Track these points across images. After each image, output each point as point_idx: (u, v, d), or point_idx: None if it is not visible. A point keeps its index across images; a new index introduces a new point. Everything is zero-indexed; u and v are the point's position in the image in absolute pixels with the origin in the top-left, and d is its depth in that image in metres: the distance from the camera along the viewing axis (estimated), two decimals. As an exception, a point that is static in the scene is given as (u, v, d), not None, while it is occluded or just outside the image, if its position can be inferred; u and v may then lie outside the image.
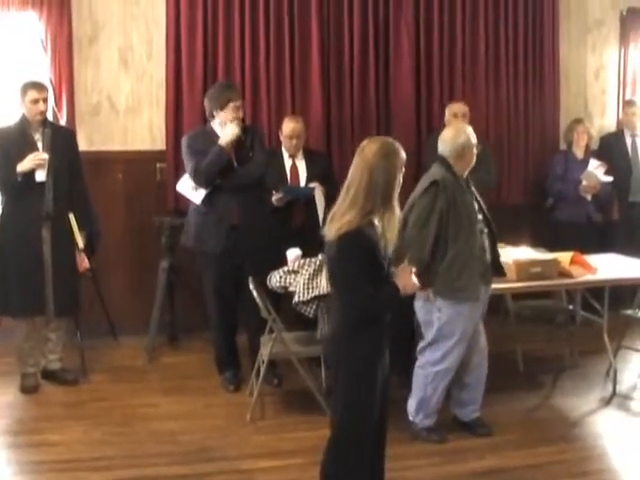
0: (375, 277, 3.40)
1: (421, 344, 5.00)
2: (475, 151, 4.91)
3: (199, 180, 5.70)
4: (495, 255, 4.99)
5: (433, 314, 4.87)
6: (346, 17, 7.21)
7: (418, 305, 4.93)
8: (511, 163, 7.73)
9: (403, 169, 3.52)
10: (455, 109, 6.94)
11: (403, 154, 3.52)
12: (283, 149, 6.39)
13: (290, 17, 7.08)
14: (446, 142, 4.89)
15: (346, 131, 7.29)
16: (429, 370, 4.94)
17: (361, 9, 7.24)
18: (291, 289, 5.29)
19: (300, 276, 5.27)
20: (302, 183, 6.30)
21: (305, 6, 7.10)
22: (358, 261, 3.36)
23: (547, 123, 7.88)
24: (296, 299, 5.20)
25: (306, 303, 5.21)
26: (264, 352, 5.39)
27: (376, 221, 3.44)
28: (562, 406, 5.65)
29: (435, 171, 4.88)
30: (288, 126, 6.31)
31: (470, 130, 4.97)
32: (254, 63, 7.04)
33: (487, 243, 4.90)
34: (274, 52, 7.07)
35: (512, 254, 5.64)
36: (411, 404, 5.05)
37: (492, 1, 7.61)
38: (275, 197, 6.07)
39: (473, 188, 4.98)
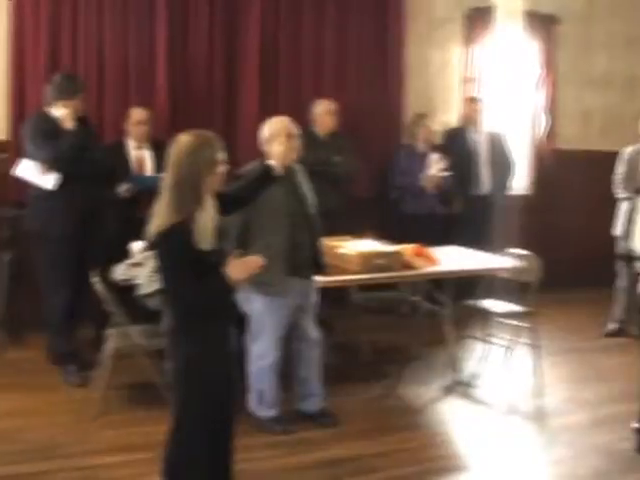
0: (202, 270, 3.38)
1: (247, 335, 4.99)
2: (294, 143, 4.73)
3: (60, 165, 5.54)
4: (316, 250, 4.98)
5: (250, 306, 4.87)
6: (192, 14, 7.14)
7: (240, 296, 4.86)
8: (357, 157, 7.75)
9: (217, 164, 3.49)
10: (325, 106, 7.12)
11: (215, 148, 3.49)
12: (129, 139, 6.29)
13: (136, 14, 6.95)
14: (260, 135, 4.85)
15: (192, 122, 7.11)
16: (258, 364, 4.94)
17: (208, 7, 7.16)
18: (135, 282, 5.16)
19: (144, 268, 5.14)
20: (148, 173, 6.21)
21: (151, 4, 6.97)
22: (179, 256, 3.36)
23: (392, 118, 7.99)
24: (139, 292, 5.08)
25: (150, 295, 5.07)
26: (108, 346, 5.22)
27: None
28: (407, 395, 5.72)
29: (249, 166, 4.84)
30: (136, 112, 6.26)
31: (283, 122, 4.83)
32: (99, 53, 6.88)
33: (305, 237, 4.87)
34: (119, 44, 6.91)
35: (357, 246, 5.65)
36: (251, 397, 5.03)
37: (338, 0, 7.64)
38: (123, 188, 5.96)
39: (301, 179, 4.91)
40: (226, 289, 3.49)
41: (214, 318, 3.52)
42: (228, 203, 3.87)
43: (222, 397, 3.58)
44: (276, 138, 4.70)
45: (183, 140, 3.47)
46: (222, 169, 3.54)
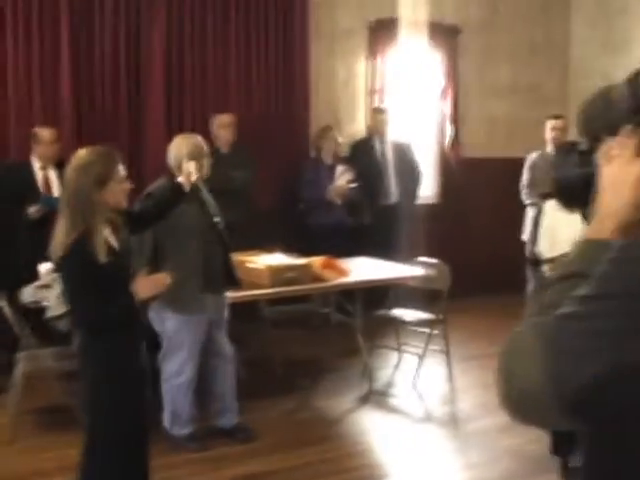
0: (106, 287, 3.37)
1: (160, 353, 4.94)
2: (205, 161, 4.77)
3: None
4: (228, 265, 4.97)
5: (164, 324, 4.83)
6: (97, 29, 7.01)
7: (151, 315, 4.84)
8: (263, 169, 7.74)
9: (111, 179, 3.47)
10: (223, 120, 7.05)
11: (109, 163, 3.48)
12: (33, 159, 6.19)
13: (40, 29, 6.79)
14: (170, 152, 4.81)
15: (98, 138, 6.99)
16: (172, 383, 4.90)
17: (113, 22, 7.04)
18: (44, 304, 5.08)
19: (53, 290, 5.04)
20: (55, 193, 6.05)
21: (55, 18, 6.82)
22: (80, 273, 3.37)
23: (297, 130, 7.98)
24: (49, 314, 4.99)
25: (59, 317, 4.96)
26: (18, 369, 5.10)
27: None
28: (321, 407, 5.72)
29: (156, 183, 4.82)
30: (42, 132, 6.17)
31: (196, 140, 4.86)
32: (2, 68, 6.71)
33: (217, 252, 4.86)
34: (22, 59, 6.74)
35: (266, 260, 5.63)
36: (165, 416, 4.97)
37: (243, 13, 7.64)
38: (32, 209, 5.85)
39: (206, 196, 4.90)
40: (132, 307, 3.46)
41: (121, 336, 3.48)
42: (137, 221, 3.85)
43: (133, 417, 3.53)
44: (186, 156, 4.67)
45: (76, 156, 3.47)
46: (124, 185, 3.50)
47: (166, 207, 4.29)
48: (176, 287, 4.52)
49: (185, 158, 4.64)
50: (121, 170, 3.54)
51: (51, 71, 6.84)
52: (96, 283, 3.35)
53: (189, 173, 4.44)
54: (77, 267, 3.36)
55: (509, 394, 1.19)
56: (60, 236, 3.38)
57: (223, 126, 7.02)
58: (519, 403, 1.17)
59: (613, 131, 1.34)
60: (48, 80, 6.84)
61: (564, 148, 1.54)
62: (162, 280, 3.57)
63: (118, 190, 3.49)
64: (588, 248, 1.27)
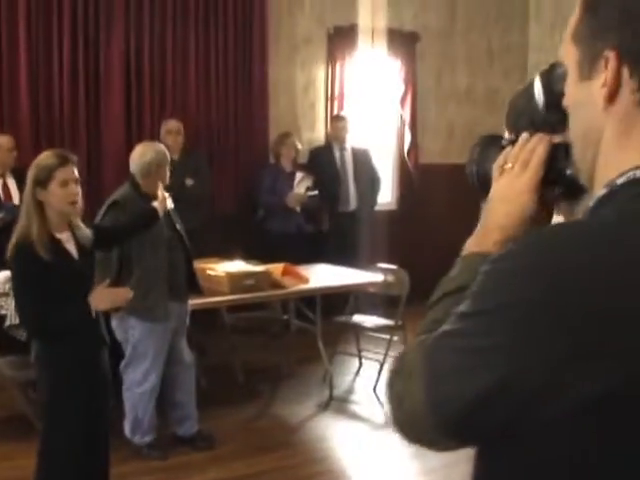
0: (55, 291, 3.37)
1: (122, 363, 4.92)
2: (167, 169, 4.84)
3: None
4: (190, 272, 4.98)
5: (129, 332, 4.82)
6: (55, 34, 6.94)
7: (114, 324, 4.84)
8: (222, 175, 7.74)
9: (53, 179, 3.45)
10: (169, 126, 6.98)
11: (53, 164, 3.46)
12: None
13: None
14: (134, 160, 4.82)
15: (56, 145, 6.93)
16: (134, 391, 4.88)
17: (71, 27, 6.98)
18: (2, 312, 5.07)
19: (11, 298, 4.96)
20: (15, 201, 5.97)
21: (13, 23, 6.75)
22: (23, 273, 3.39)
23: (256, 137, 7.97)
24: (7, 323, 5.00)
25: (18, 326, 4.92)
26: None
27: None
28: (282, 413, 5.71)
29: (119, 191, 4.82)
30: (4, 139, 6.15)
31: (160, 148, 4.93)
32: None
33: (180, 259, 4.87)
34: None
35: (225, 267, 5.63)
36: (126, 424, 4.95)
37: (203, 18, 7.62)
38: None
39: (170, 206, 4.90)
40: (83, 314, 3.43)
41: (74, 343, 3.45)
42: (105, 237, 3.83)
43: (85, 424, 3.49)
44: (158, 167, 4.75)
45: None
46: (69, 188, 3.44)
47: (138, 230, 4.35)
48: (142, 295, 4.55)
49: (152, 168, 4.70)
50: (66, 173, 3.48)
51: (9, 78, 6.77)
52: (41, 283, 3.33)
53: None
54: (20, 264, 3.37)
55: (396, 415, 1.15)
56: (12, 239, 3.41)
57: (169, 132, 6.95)
58: (406, 424, 1.14)
59: (537, 127, 1.34)
60: (5, 87, 6.77)
61: (485, 140, 1.52)
62: (123, 294, 3.56)
63: (60, 193, 3.44)
64: (472, 262, 1.26)
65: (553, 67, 1.33)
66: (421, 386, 1.07)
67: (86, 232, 3.64)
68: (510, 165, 1.31)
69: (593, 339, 0.95)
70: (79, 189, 3.54)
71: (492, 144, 1.46)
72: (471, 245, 1.35)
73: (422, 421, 1.08)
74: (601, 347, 0.95)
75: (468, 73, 9.47)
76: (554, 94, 1.28)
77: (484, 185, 1.41)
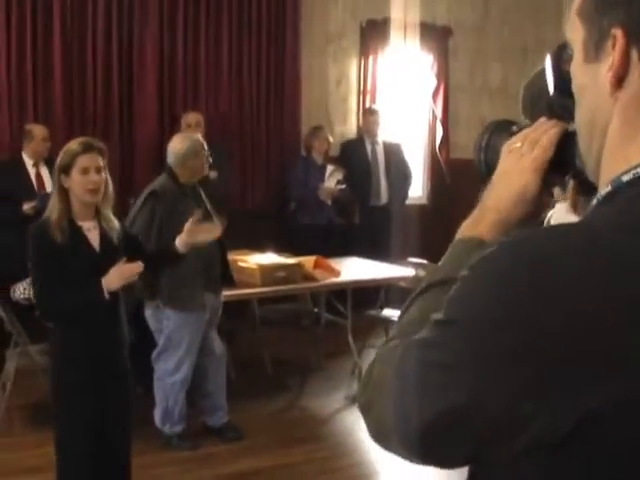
0: (67, 275, 3.37)
1: (154, 352, 4.94)
2: (204, 160, 4.90)
3: None
4: (225, 265, 5.01)
5: (163, 322, 4.84)
6: (90, 27, 6.97)
7: (148, 313, 4.88)
8: (254, 169, 7.77)
9: (74, 166, 3.44)
10: (189, 119, 6.94)
11: (76, 151, 3.46)
12: (25, 157, 6.18)
13: (32, 29, 6.75)
14: (170, 151, 4.87)
15: (89, 136, 6.98)
16: (166, 381, 4.90)
17: (105, 22, 7.02)
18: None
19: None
20: (48, 189, 6.01)
21: (48, 16, 6.78)
22: (36, 254, 3.39)
23: (288, 130, 7.99)
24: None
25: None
26: (9, 366, 5.09)
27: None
28: (311, 406, 5.73)
29: (157, 181, 4.86)
30: (35, 129, 6.18)
31: (196, 138, 4.99)
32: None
33: (216, 251, 4.88)
34: (15, 61, 6.70)
35: (257, 259, 5.65)
36: (157, 414, 4.97)
37: (236, 12, 7.63)
38: (26, 206, 5.83)
39: (204, 196, 4.95)
40: (91, 300, 3.41)
41: (84, 328, 3.44)
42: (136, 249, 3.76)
43: (94, 421, 3.47)
44: (194, 158, 4.81)
45: None
46: (89, 177, 3.41)
47: (162, 267, 4.31)
48: (178, 285, 4.57)
49: (190, 157, 4.78)
50: (88, 160, 3.44)
51: (44, 69, 6.81)
52: (52, 265, 3.34)
53: (194, 169, 4.72)
54: (34, 243, 3.38)
55: (369, 425, 1.06)
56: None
57: (189, 125, 6.88)
58: (380, 435, 1.05)
59: (554, 114, 1.22)
60: (40, 78, 6.81)
61: (494, 125, 1.41)
62: (131, 268, 3.48)
63: (80, 180, 3.42)
64: (461, 250, 1.17)
65: (564, 47, 1.12)
66: (389, 399, 0.98)
67: (115, 224, 3.59)
68: (519, 144, 1.21)
69: (564, 366, 0.84)
70: (102, 177, 3.46)
71: (502, 130, 1.34)
72: (465, 227, 1.26)
73: (390, 434, 1.01)
74: (570, 375, 0.83)
75: (501, 69, 9.42)
76: (565, 77, 1.11)
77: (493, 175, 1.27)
